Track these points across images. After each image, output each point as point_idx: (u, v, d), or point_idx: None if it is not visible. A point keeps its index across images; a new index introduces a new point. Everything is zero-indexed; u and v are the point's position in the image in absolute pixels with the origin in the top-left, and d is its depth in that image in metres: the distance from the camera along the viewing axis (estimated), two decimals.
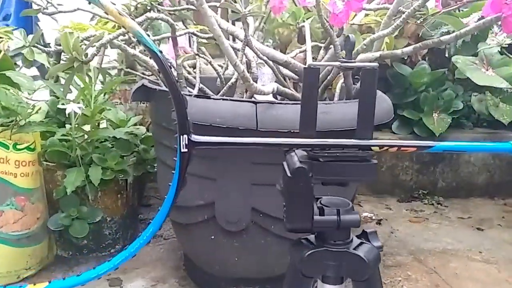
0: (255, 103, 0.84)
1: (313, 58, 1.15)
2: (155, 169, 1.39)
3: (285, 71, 1.09)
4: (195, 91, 1.10)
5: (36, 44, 0.88)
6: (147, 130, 1.44)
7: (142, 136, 1.37)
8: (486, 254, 1.38)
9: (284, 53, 1.51)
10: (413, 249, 1.40)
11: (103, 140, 1.26)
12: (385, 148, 0.43)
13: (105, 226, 1.26)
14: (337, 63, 0.42)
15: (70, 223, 1.16)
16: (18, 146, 1.04)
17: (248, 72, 1.12)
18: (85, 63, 0.76)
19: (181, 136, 0.42)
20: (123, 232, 1.32)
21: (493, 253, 1.39)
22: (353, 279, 0.45)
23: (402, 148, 0.43)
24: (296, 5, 1.51)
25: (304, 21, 1.33)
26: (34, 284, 0.42)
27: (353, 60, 0.41)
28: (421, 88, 1.81)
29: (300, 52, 1.26)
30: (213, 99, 0.87)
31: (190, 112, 0.89)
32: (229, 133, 0.85)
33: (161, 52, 0.39)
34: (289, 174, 0.42)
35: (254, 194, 0.94)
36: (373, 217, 1.66)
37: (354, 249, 0.45)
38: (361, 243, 0.46)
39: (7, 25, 4.19)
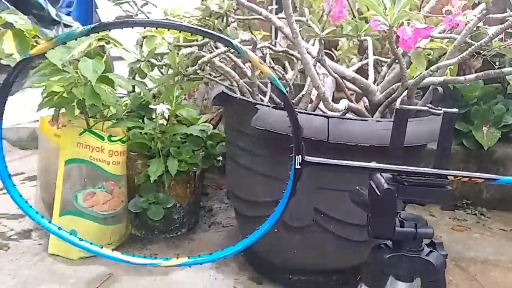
0: (328, 117, 0.95)
1: (375, 72, 1.25)
2: (220, 164, 1.53)
3: (349, 85, 1.19)
4: (266, 99, 1.22)
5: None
6: (214, 127, 1.58)
7: (209, 133, 1.51)
8: None
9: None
10: (455, 256, 1.48)
11: (176, 135, 1.40)
12: (459, 178, 0.54)
13: (174, 211, 1.41)
14: (425, 108, 0.53)
15: (148, 207, 1.31)
16: (112, 138, 1.19)
17: None
18: (186, 76, 0.89)
19: (296, 156, 0.54)
20: (188, 217, 1.47)
21: None
22: (423, 280, 0.56)
23: (472, 179, 0.54)
24: (354, 16, 1.60)
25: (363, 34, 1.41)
26: (177, 258, 0.55)
27: (439, 108, 0.52)
28: (472, 101, 1.86)
29: (362, 65, 1.36)
30: None
31: (269, 122, 1.01)
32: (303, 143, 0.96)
33: (287, 92, 0.51)
34: (378, 193, 0.53)
35: (318, 196, 1.05)
36: None
37: (426, 255, 0.55)
38: (430, 251, 0.57)
39: (70, 12, 4.42)
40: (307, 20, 1.06)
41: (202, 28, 0.48)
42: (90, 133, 1.19)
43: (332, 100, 1.20)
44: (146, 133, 1.34)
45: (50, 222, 0.56)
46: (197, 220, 1.55)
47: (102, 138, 1.19)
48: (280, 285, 1.22)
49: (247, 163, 1.14)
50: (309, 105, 1.25)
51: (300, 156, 0.54)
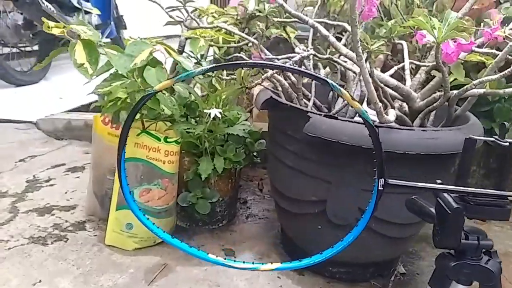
0: (377, 127, 1.03)
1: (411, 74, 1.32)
2: (258, 160, 1.62)
3: (390, 91, 1.27)
4: (310, 104, 1.30)
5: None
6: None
7: (248, 131, 1.59)
8: None
9: None
10: None
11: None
12: None
13: (217, 204, 1.51)
14: (492, 139, 0.61)
15: (196, 201, 1.41)
16: (168, 140, 1.28)
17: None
18: (249, 89, 0.97)
19: (380, 179, 0.62)
20: (229, 210, 1.57)
21: None
22: (481, 284, 0.66)
23: None
24: (383, 19, 1.67)
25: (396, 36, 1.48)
26: (272, 263, 0.65)
27: (507, 140, 0.60)
28: (495, 99, 1.93)
29: (398, 69, 1.43)
30: (341, 120, 1.07)
31: (321, 129, 1.09)
32: (353, 151, 1.05)
33: (375, 126, 0.60)
34: (449, 211, 0.62)
35: (362, 197, 1.14)
36: None
37: (485, 263, 0.65)
38: (488, 259, 0.66)
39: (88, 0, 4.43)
40: (360, 39, 1.14)
41: (307, 71, 0.56)
42: (147, 134, 1.28)
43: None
44: (192, 133, 1.42)
45: (171, 237, 0.66)
46: (235, 213, 1.65)
47: (158, 139, 1.28)
48: (321, 276, 1.33)
49: (294, 164, 1.22)
50: (347, 111, 1.33)
51: (383, 179, 0.62)
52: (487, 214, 0.63)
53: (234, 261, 0.66)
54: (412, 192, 0.80)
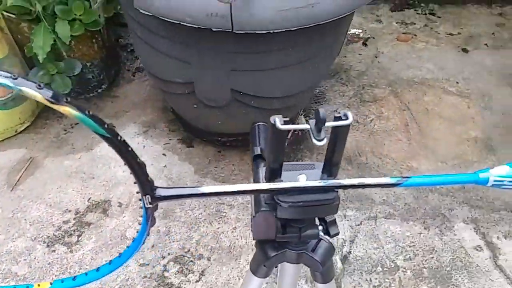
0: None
1: None
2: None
3: None
4: None
5: None
6: None
7: None
8: (462, 85, 1.43)
9: None
10: (392, 79, 1.44)
11: None
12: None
13: (86, 71, 1.24)
14: None
15: (51, 80, 1.15)
16: None
17: None
18: None
19: (145, 196, 0.41)
20: (106, 72, 1.32)
21: (470, 83, 1.43)
22: (310, 269, 0.54)
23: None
24: None
25: None
26: (39, 285, 0.50)
27: None
28: None
29: None
30: None
31: (154, 4, 0.78)
32: (202, 35, 0.77)
33: None
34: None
35: (235, 78, 0.91)
36: (361, 35, 1.62)
37: (312, 249, 0.51)
38: (318, 241, 0.52)
39: None
40: None
41: None
42: None
43: None
44: None
45: None
46: (118, 70, 1.39)
47: None
48: (211, 145, 1.21)
49: (145, 38, 0.93)
50: None
51: (149, 196, 0.41)
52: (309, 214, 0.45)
53: None
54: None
